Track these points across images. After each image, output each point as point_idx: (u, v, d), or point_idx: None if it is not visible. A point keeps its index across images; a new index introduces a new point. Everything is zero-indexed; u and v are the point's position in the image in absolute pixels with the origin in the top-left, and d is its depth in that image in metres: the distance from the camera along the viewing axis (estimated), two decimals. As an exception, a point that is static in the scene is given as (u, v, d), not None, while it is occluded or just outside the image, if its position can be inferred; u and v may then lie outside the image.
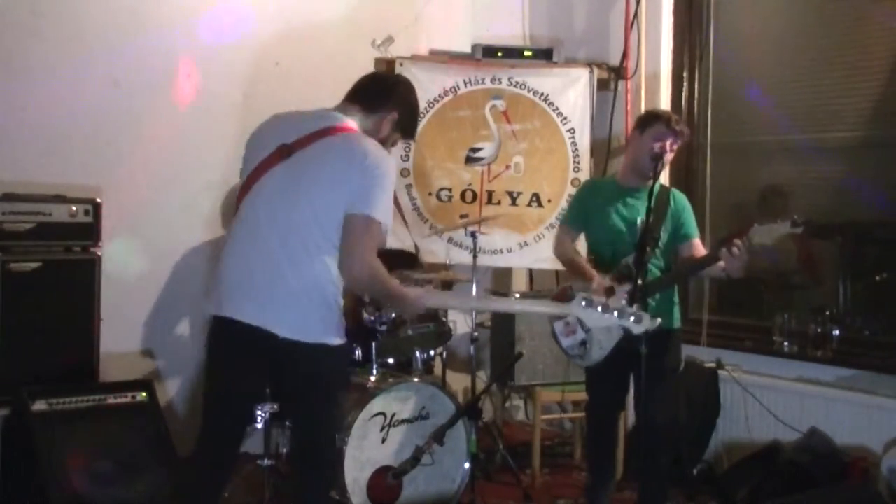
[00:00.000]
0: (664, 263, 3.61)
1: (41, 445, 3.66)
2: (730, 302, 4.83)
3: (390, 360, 4.29)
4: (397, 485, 3.90)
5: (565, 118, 5.12)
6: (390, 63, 4.99)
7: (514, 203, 5.14)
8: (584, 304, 2.71)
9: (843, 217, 4.40)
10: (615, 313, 2.70)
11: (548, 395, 4.64)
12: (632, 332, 2.77)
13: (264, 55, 4.91)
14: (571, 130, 5.11)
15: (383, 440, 3.88)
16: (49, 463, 3.64)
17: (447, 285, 4.64)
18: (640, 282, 3.23)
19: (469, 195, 5.15)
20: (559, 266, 4.09)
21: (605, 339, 3.48)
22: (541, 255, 5.01)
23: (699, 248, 3.64)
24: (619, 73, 5.15)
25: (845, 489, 3.79)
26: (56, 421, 3.74)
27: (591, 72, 5.12)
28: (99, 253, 4.12)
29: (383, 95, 3.01)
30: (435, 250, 5.07)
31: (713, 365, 4.56)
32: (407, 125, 3.07)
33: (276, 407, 3.74)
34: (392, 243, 4.99)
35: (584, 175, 5.08)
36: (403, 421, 3.93)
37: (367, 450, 3.83)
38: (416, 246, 5.10)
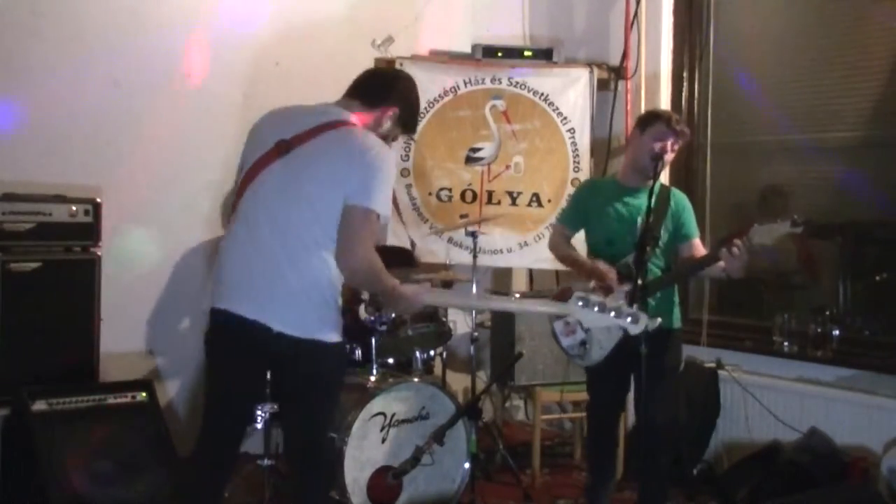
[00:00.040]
0: (664, 263, 3.61)
1: (41, 445, 3.66)
2: (730, 302, 4.83)
3: (390, 360, 4.29)
4: (397, 485, 3.89)
5: (565, 118, 5.12)
6: (390, 63, 4.98)
7: (514, 203, 5.14)
8: (580, 303, 2.70)
9: (843, 217, 4.40)
10: (612, 313, 2.70)
11: (548, 395, 4.64)
12: (629, 333, 2.77)
13: (264, 55, 4.91)
14: (571, 130, 5.12)
15: (383, 440, 3.88)
16: (49, 463, 3.64)
17: (447, 285, 4.64)
18: (640, 281, 3.23)
19: (469, 195, 5.15)
20: (559, 266, 4.09)
21: (605, 338, 3.48)
22: (541, 255, 4.99)
23: (699, 248, 3.63)
24: (619, 73, 5.15)
25: (845, 489, 3.79)
26: (56, 421, 3.74)
27: (591, 72, 5.13)
28: (99, 253, 4.12)
29: (384, 91, 3.00)
30: (435, 250, 5.07)
31: (713, 365, 4.56)
32: (407, 120, 3.07)
33: (276, 407, 3.74)
34: (389, 241, 5.00)
35: (584, 175, 5.08)
36: (403, 421, 3.93)
37: (367, 450, 3.83)
38: (412, 243, 5.10)
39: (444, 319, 4.59)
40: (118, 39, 4.47)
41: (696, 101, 4.96)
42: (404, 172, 5.11)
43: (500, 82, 5.14)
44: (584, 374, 3.77)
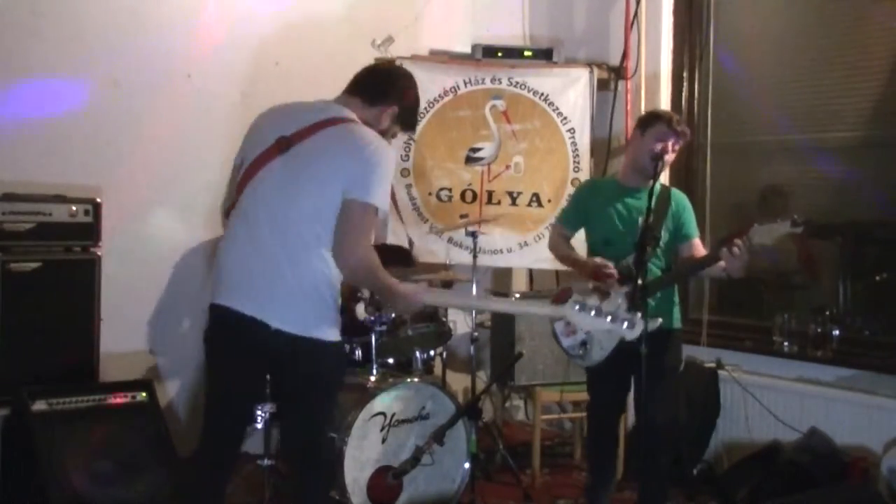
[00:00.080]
0: (664, 263, 3.61)
1: (41, 445, 3.66)
2: (730, 302, 4.83)
3: (390, 360, 4.29)
4: (397, 485, 3.89)
5: (565, 118, 5.12)
6: (390, 63, 4.98)
7: (514, 203, 5.14)
8: (577, 307, 2.70)
9: (843, 217, 4.40)
10: (608, 318, 2.68)
11: (548, 395, 4.64)
12: (625, 338, 2.76)
13: (264, 55, 4.91)
14: (571, 130, 5.11)
15: (383, 440, 3.88)
16: (49, 463, 3.64)
17: (447, 285, 4.64)
18: (640, 281, 3.23)
19: (469, 195, 5.14)
20: (559, 266, 4.09)
21: (606, 339, 3.48)
22: (541, 255, 4.99)
23: (699, 248, 3.64)
24: (619, 73, 5.15)
25: (845, 489, 3.79)
26: (56, 421, 3.74)
27: (591, 72, 5.12)
28: (99, 253, 4.12)
29: (383, 89, 3.00)
30: (435, 250, 5.07)
31: (713, 365, 4.56)
32: (407, 118, 3.08)
33: (275, 407, 3.74)
34: (389, 240, 5.00)
35: (584, 175, 5.08)
36: (403, 421, 3.93)
37: (367, 450, 3.83)
38: (410, 242, 5.10)
39: (444, 319, 4.59)
40: (118, 39, 4.47)
41: (696, 101, 4.96)
42: (404, 172, 5.11)
43: (500, 82, 5.13)
44: (584, 374, 3.77)
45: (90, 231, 4.11)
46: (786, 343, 4.40)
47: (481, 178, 5.14)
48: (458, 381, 5.28)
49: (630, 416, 4.16)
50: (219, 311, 2.83)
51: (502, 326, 4.79)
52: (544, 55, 5.25)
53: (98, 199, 4.14)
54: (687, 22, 4.98)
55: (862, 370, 4.12)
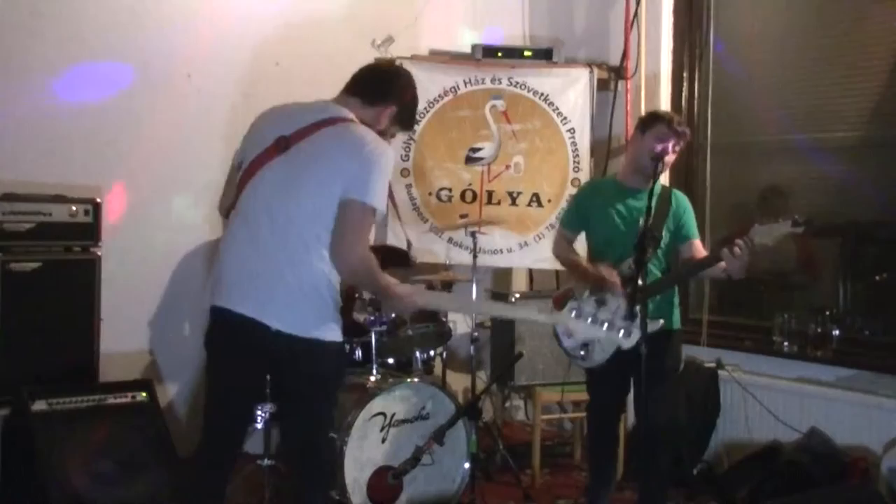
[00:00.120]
0: (665, 264, 3.61)
1: (41, 445, 3.67)
2: (730, 302, 4.83)
3: (390, 360, 4.29)
4: (397, 485, 3.89)
5: (565, 118, 5.12)
6: (389, 63, 4.98)
7: (514, 203, 5.14)
8: (573, 314, 2.69)
9: (843, 217, 4.40)
10: (604, 326, 2.68)
11: (548, 395, 4.64)
12: (621, 347, 2.75)
13: (264, 55, 4.91)
14: (571, 130, 5.11)
15: (383, 440, 3.88)
16: (49, 463, 3.64)
17: (447, 285, 4.64)
18: (640, 282, 3.23)
19: (469, 195, 5.14)
20: (559, 266, 4.09)
21: (607, 342, 3.46)
22: (541, 255, 5.00)
23: (699, 249, 3.63)
24: (619, 73, 5.15)
25: (845, 489, 3.79)
26: (56, 421, 3.74)
27: (591, 72, 5.13)
28: (99, 253, 4.12)
29: (382, 89, 3.00)
30: (435, 250, 5.07)
31: (713, 365, 4.56)
32: (405, 118, 3.08)
33: (275, 407, 3.74)
34: (389, 240, 4.99)
35: (584, 175, 5.08)
36: (403, 421, 3.93)
37: (367, 450, 3.83)
38: (408, 243, 5.09)
39: (444, 319, 4.58)
40: (118, 39, 4.47)
41: (696, 102, 4.96)
42: (404, 172, 5.11)
43: (500, 82, 5.13)
44: (584, 374, 3.77)
45: (90, 231, 4.12)
46: (786, 343, 4.40)
47: (481, 178, 5.14)
48: (458, 382, 5.28)
49: (630, 417, 4.16)
50: (219, 314, 2.83)
51: (502, 327, 4.79)
52: (544, 55, 5.24)
53: (98, 199, 4.15)
54: (687, 22, 4.98)
55: (862, 370, 4.12)
